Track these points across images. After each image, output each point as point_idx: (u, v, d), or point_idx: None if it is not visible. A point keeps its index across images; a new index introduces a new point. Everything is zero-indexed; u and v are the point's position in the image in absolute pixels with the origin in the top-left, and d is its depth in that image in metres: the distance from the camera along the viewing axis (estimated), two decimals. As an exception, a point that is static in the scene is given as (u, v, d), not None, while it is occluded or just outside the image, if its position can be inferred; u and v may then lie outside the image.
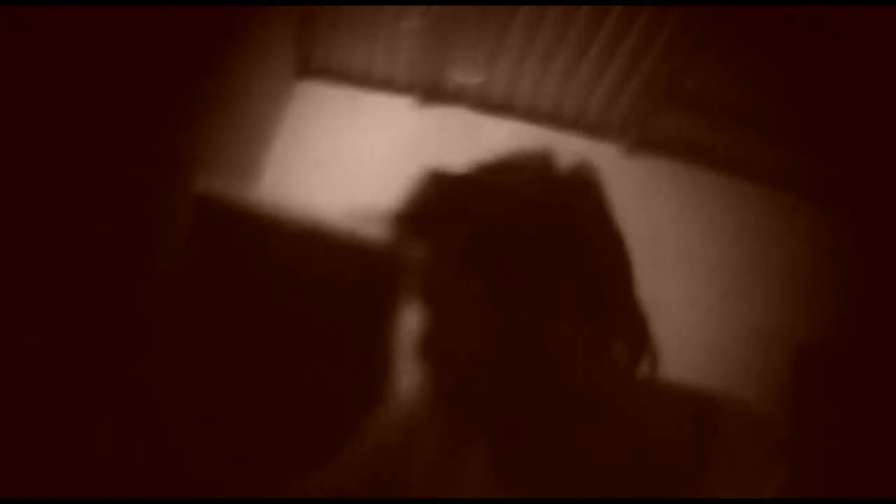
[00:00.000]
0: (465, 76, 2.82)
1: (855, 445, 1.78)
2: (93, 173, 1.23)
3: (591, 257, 0.69)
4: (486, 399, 0.68)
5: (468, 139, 2.77)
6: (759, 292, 2.68)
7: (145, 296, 1.50)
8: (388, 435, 0.82)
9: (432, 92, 2.88)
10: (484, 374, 0.67)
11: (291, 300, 1.70)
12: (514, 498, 0.72)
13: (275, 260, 1.69)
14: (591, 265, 0.69)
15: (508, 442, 0.74)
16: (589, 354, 0.69)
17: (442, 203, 0.71)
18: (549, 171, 0.71)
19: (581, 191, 0.72)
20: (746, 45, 2.41)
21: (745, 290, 2.69)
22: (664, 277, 2.69)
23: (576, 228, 0.69)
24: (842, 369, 2.21)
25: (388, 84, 2.90)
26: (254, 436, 1.54)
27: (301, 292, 1.71)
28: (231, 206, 1.68)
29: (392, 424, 0.83)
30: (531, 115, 2.91)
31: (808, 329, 2.48)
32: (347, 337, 1.73)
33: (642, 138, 2.86)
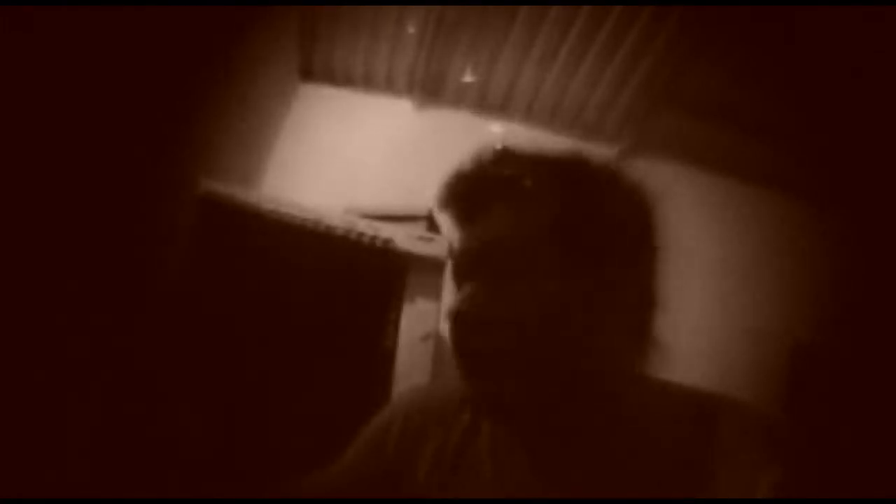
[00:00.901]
0: (465, 76, 2.83)
1: (852, 445, 1.79)
2: (97, 174, 1.24)
3: (648, 267, 0.70)
4: (532, 393, 0.67)
5: (468, 140, 2.77)
6: (758, 292, 2.68)
7: (150, 294, 1.51)
8: (385, 435, 0.82)
9: (432, 93, 2.89)
10: (538, 365, 0.65)
11: (293, 299, 1.71)
12: (515, 497, 0.72)
13: (277, 259, 1.70)
14: (646, 274, 0.70)
15: (510, 439, 0.74)
16: (621, 358, 0.69)
17: (503, 175, 0.70)
18: (616, 174, 0.72)
19: (643, 201, 0.73)
20: (746, 46, 2.41)
21: (743, 290, 2.70)
22: (662, 277, 2.69)
23: (638, 235, 0.70)
24: (839, 368, 2.21)
25: (389, 85, 2.91)
26: (255, 434, 1.55)
27: (302, 291, 1.72)
28: (234, 206, 1.69)
29: (390, 424, 0.83)
30: (531, 115, 2.92)
31: (806, 329, 2.48)
32: (348, 336, 1.74)
33: (641, 139, 2.86)
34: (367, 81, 2.90)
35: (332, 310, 1.73)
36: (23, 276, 1.06)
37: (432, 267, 1.72)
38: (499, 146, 0.72)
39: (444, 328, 0.71)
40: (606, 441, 0.70)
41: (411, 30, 2.62)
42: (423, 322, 1.72)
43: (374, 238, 1.72)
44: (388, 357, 1.72)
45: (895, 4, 1.96)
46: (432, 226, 1.85)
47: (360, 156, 2.75)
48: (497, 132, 2.88)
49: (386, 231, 1.74)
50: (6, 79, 1.01)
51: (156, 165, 1.49)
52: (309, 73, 2.86)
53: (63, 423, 1.12)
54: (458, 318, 0.68)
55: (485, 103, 2.93)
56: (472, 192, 0.70)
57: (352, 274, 1.76)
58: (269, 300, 1.70)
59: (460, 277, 0.70)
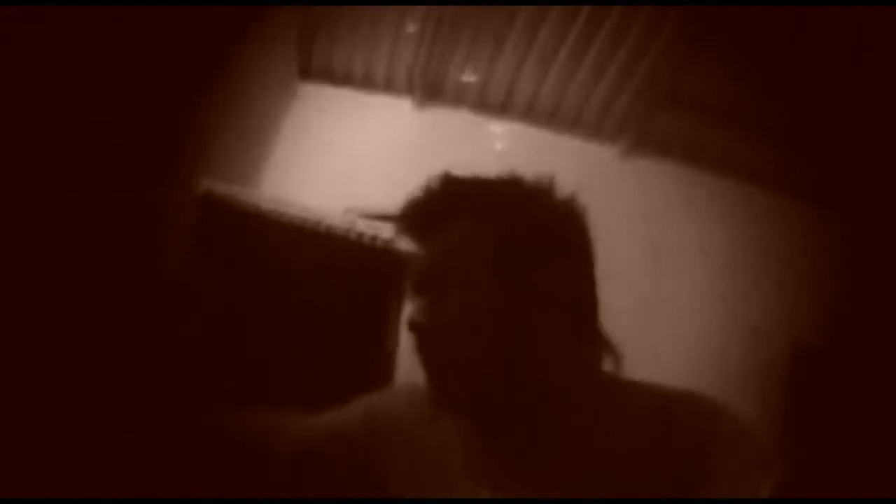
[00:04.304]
0: (465, 76, 2.83)
1: (852, 445, 1.79)
2: (97, 173, 1.24)
3: (581, 274, 0.76)
4: (477, 391, 0.74)
5: (468, 140, 2.78)
6: (758, 292, 2.68)
7: (150, 293, 1.51)
8: (373, 410, 0.86)
9: (432, 92, 2.89)
10: (480, 365, 0.73)
11: (293, 299, 1.71)
12: (498, 498, 0.75)
13: (277, 259, 1.70)
14: (580, 281, 0.76)
15: (494, 437, 0.77)
16: (577, 358, 0.74)
17: (456, 196, 0.77)
18: (554, 193, 0.79)
19: (577, 218, 0.79)
20: (746, 46, 2.41)
21: (743, 290, 2.70)
22: (662, 277, 2.71)
23: (572, 247, 0.77)
24: (839, 369, 2.21)
25: (388, 85, 2.91)
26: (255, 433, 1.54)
27: (303, 291, 1.72)
28: (234, 206, 1.69)
29: (380, 403, 0.87)
30: (531, 115, 2.92)
31: (806, 329, 2.48)
32: (348, 336, 1.74)
33: (641, 139, 2.87)
34: (366, 81, 2.90)
35: (332, 310, 1.73)
36: (22, 275, 1.06)
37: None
38: (443, 175, 0.80)
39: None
40: (578, 441, 0.73)
41: (411, 29, 2.63)
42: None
43: (374, 238, 1.72)
44: (389, 357, 1.72)
45: (895, 4, 1.96)
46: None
47: (360, 155, 2.75)
48: (497, 132, 2.88)
49: (386, 231, 1.74)
50: (6, 78, 1.01)
51: (156, 165, 1.49)
52: (308, 73, 2.87)
53: (62, 422, 1.12)
54: (411, 328, 0.78)
55: (485, 103, 2.93)
56: (421, 217, 0.81)
57: (352, 274, 1.76)
58: (270, 299, 1.70)
59: (415, 292, 0.80)
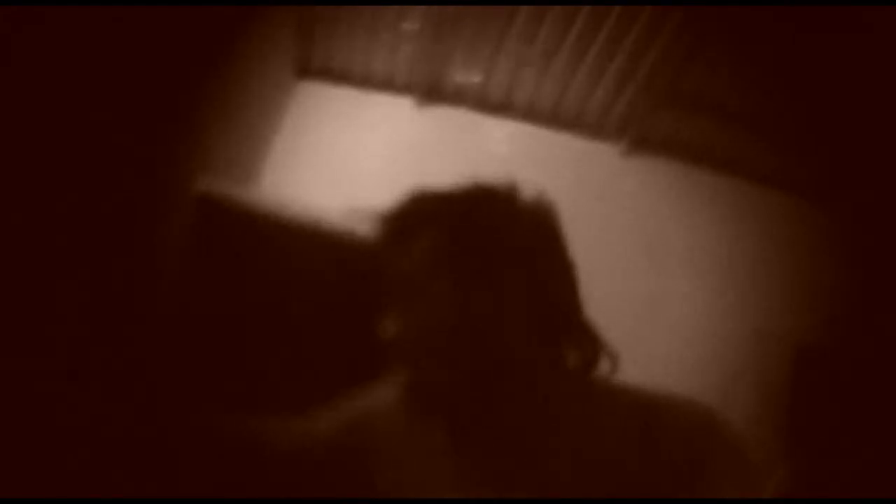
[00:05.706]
0: (465, 76, 2.83)
1: (854, 446, 1.79)
2: (93, 173, 1.23)
3: (544, 276, 0.77)
4: (446, 392, 0.76)
5: (468, 139, 2.78)
6: (759, 292, 2.68)
7: (147, 295, 1.51)
8: (357, 413, 0.87)
9: (432, 92, 2.89)
10: (445, 368, 0.75)
11: (292, 299, 1.70)
12: (481, 497, 0.76)
13: (275, 259, 1.69)
14: (542, 283, 0.77)
15: (469, 437, 0.77)
16: (542, 359, 0.76)
17: (420, 211, 0.80)
18: (515, 198, 0.81)
19: (539, 220, 0.80)
20: (746, 46, 2.42)
21: (744, 290, 2.70)
22: (664, 277, 2.71)
23: (533, 249, 0.78)
24: (841, 370, 2.21)
25: (388, 84, 2.91)
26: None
27: (301, 291, 1.71)
28: (232, 206, 1.69)
29: (364, 405, 0.88)
30: (531, 115, 2.92)
31: (808, 329, 2.48)
32: (348, 337, 1.74)
33: (642, 138, 2.87)
34: (365, 80, 2.90)
35: (332, 310, 1.73)
36: (17, 276, 1.06)
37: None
38: (414, 191, 0.84)
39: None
40: (551, 441, 0.74)
41: (410, 28, 2.63)
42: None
43: (373, 238, 1.72)
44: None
45: (895, 4, 1.96)
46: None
47: (360, 155, 2.75)
48: (497, 133, 2.88)
49: (372, 235, 1.73)
50: (6, 78, 1.01)
51: (153, 164, 1.49)
52: (307, 72, 2.87)
53: (59, 422, 1.12)
54: (382, 343, 0.81)
55: (485, 103, 2.93)
56: (389, 234, 0.84)
57: (352, 274, 1.76)
58: (268, 300, 1.69)
59: (387, 305, 0.83)
